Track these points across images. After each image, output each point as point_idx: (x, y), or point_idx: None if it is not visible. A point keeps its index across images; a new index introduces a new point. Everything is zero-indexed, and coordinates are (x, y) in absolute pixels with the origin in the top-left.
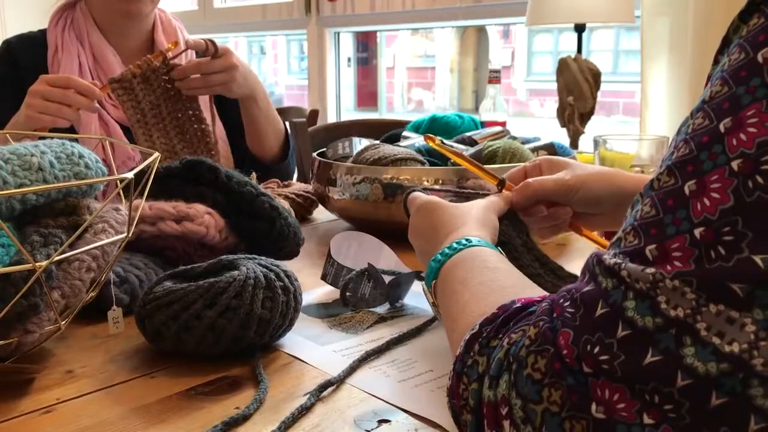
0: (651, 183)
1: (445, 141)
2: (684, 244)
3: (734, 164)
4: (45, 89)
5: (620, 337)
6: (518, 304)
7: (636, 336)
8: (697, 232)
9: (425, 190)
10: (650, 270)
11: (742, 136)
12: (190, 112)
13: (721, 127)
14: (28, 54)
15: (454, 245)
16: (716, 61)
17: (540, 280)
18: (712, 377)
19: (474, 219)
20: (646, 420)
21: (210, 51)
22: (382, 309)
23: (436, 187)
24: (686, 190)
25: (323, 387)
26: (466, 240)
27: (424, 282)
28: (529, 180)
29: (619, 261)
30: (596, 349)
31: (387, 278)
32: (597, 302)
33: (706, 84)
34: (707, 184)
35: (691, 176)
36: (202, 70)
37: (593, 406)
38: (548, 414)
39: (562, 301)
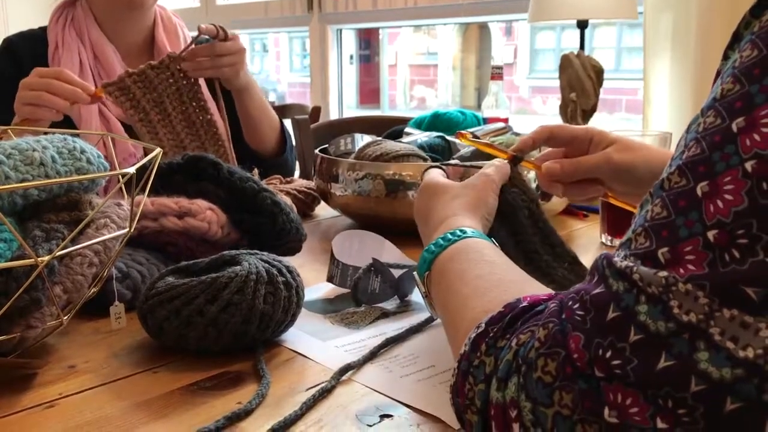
0: (661, 183)
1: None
2: (697, 246)
3: (748, 165)
4: (33, 80)
5: (632, 342)
6: (525, 303)
7: (649, 341)
8: (710, 234)
9: (446, 164)
10: (663, 273)
11: (756, 137)
12: (194, 103)
13: (734, 127)
14: (29, 51)
15: (448, 236)
16: (726, 57)
17: (536, 256)
18: (726, 383)
19: (465, 206)
20: (660, 425)
21: (220, 36)
22: (390, 305)
23: (453, 162)
24: (698, 192)
25: (344, 370)
26: (461, 231)
27: (416, 272)
28: (575, 162)
29: (630, 264)
30: (608, 354)
31: (394, 272)
32: (608, 305)
33: (715, 80)
34: (720, 185)
35: (703, 177)
36: (212, 52)
37: (606, 411)
38: (559, 417)
39: (571, 303)
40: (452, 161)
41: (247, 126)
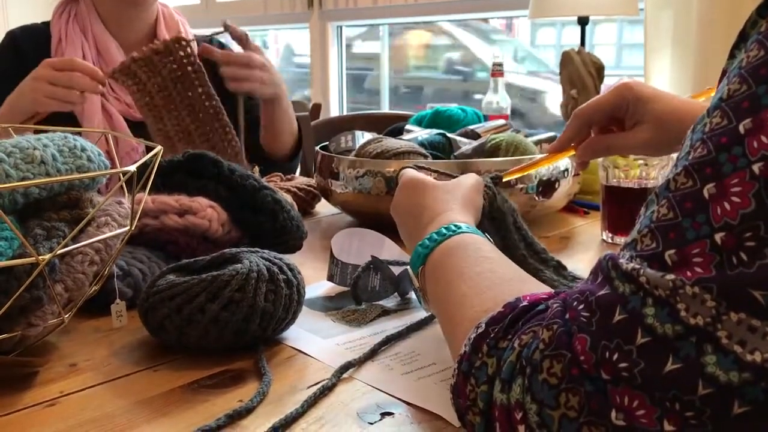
0: (667, 183)
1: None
2: (704, 249)
3: (755, 167)
4: (51, 74)
5: (639, 345)
6: (525, 303)
7: (656, 343)
8: (717, 237)
9: (418, 168)
10: (670, 276)
11: (764, 138)
12: (200, 90)
13: (741, 128)
14: (32, 45)
15: (443, 231)
16: (732, 56)
17: (523, 259)
18: (734, 386)
19: (459, 201)
20: (667, 427)
21: (244, 42)
22: (390, 303)
23: (429, 167)
24: (705, 194)
25: (345, 368)
26: (455, 226)
27: (409, 266)
28: (610, 144)
29: (636, 266)
30: (615, 356)
31: (394, 270)
32: (614, 308)
33: (721, 79)
34: (727, 187)
35: (710, 179)
36: (248, 62)
37: (613, 413)
38: (565, 419)
39: (575, 303)
40: (422, 163)
41: (269, 132)
